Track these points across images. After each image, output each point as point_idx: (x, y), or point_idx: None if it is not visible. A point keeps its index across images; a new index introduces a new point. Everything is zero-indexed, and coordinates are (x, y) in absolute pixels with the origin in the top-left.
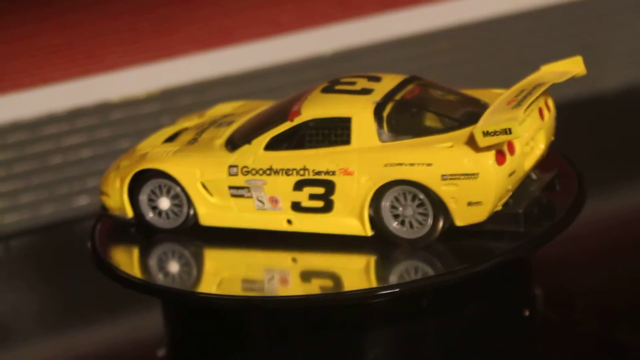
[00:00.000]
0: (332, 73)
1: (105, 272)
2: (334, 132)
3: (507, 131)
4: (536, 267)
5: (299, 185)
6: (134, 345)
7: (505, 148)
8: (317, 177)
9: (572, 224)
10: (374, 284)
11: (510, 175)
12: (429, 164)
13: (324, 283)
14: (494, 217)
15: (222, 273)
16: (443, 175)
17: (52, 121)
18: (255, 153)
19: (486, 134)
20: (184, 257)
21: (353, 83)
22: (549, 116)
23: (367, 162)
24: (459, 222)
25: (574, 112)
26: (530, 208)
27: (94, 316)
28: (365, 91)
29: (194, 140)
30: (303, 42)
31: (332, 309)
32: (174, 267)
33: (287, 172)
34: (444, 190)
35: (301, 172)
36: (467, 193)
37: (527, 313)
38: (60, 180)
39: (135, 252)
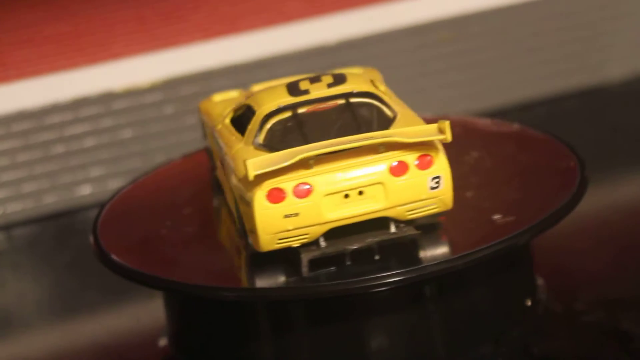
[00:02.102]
0: (337, 62)
1: (107, 264)
2: (250, 121)
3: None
4: (539, 256)
5: (221, 163)
6: (136, 335)
7: (288, 188)
8: (223, 158)
9: (576, 213)
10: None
11: (288, 217)
12: (239, 179)
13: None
14: (295, 250)
15: None
16: (240, 195)
17: (56, 110)
18: (223, 122)
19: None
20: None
21: (316, 81)
22: (417, 175)
23: (231, 160)
24: (253, 244)
25: (578, 101)
26: (330, 257)
27: (96, 305)
28: (300, 92)
29: None
30: (308, 31)
31: (328, 299)
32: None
33: (217, 147)
34: (241, 209)
35: (220, 150)
36: (247, 219)
37: (529, 302)
38: (63, 170)
39: (137, 243)
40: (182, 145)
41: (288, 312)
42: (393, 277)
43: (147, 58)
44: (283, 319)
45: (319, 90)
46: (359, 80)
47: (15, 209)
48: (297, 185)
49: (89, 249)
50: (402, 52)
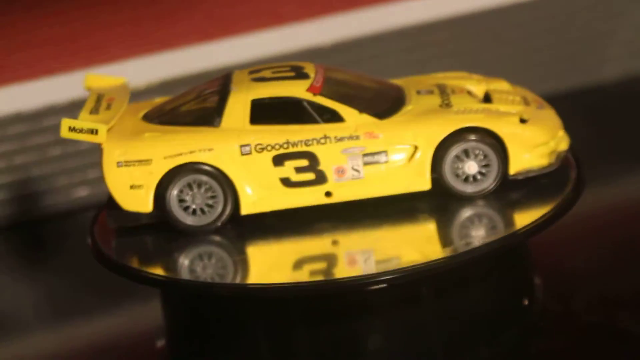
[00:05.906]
0: (332, 63)
1: (104, 264)
2: None
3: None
4: (537, 255)
5: None
6: (133, 336)
7: None
8: None
9: (572, 213)
10: None
11: None
12: None
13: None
14: None
15: None
16: None
17: (53, 112)
18: None
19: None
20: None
21: (287, 72)
22: None
23: None
24: None
25: (573, 102)
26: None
27: (93, 307)
28: (252, 72)
29: None
30: (303, 33)
31: (326, 297)
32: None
33: None
34: None
35: None
36: None
37: (526, 302)
38: (60, 172)
39: (135, 243)
40: None
41: (285, 311)
42: (386, 274)
43: (142, 60)
44: (279, 317)
45: (247, 78)
46: (276, 85)
47: (12, 211)
48: None
49: (87, 250)
50: (396, 53)
